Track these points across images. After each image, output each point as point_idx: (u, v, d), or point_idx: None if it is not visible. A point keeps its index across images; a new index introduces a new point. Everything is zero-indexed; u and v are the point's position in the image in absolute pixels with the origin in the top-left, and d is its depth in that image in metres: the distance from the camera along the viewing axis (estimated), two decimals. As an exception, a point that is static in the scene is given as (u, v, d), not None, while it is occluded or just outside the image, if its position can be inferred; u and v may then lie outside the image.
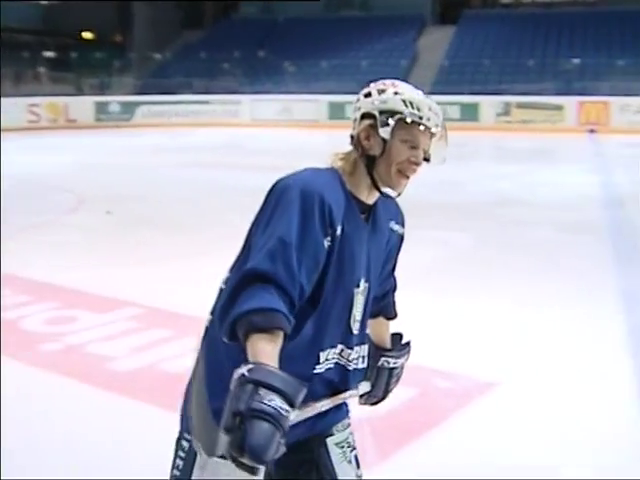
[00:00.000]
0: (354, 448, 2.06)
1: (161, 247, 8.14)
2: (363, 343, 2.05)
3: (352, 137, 2.04)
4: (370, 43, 30.59)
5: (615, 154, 17.85)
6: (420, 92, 2.02)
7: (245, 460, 1.47)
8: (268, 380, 1.53)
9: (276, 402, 1.50)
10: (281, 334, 1.69)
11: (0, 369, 4.42)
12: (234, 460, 1.49)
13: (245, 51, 30.86)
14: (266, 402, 1.49)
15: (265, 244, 1.77)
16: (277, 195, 1.86)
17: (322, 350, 1.92)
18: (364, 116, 2.00)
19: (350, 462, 2.02)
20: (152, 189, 12.52)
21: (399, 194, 2.03)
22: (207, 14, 37.98)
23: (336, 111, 24.68)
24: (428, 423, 3.96)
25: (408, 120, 1.95)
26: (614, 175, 13.97)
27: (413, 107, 1.96)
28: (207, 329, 1.95)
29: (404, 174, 1.98)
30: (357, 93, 2.08)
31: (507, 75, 26.14)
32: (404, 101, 1.96)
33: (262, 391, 1.51)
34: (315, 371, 1.91)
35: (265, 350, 1.64)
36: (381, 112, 1.96)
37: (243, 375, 1.54)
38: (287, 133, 23.32)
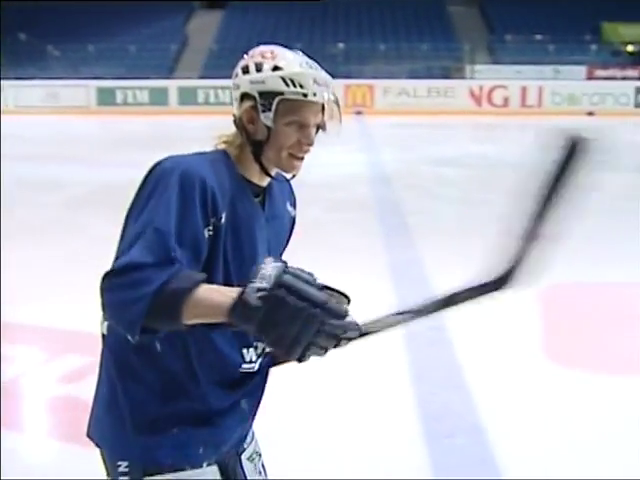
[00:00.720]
0: (260, 454, 2.00)
1: None
2: None
3: (234, 117, 1.83)
4: (138, 27, 29.98)
5: (380, 134, 18.70)
6: (303, 61, 1.80)
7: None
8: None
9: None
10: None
11: None
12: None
13: (5, 34, 29.21)
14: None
15: (140, 234, 1.57)
16: (155, 179, 1.66)
17: (246, 347, 1.82)
18: (244, 96, 1.79)
19: (260, 473, 1.96)
20: None
21: (294, 176, 1.90)
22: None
23: (105, 96, 24.07)
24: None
25: (291, 99, 1.75)
26: (380, 154, 14.65)
27: (295, 85, 1.75)
28: (105, 338, 1.79)
29: (296, 157, 1.81)
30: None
31: (276, 59, 26.45)
32: (284, 79, 1.75)
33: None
34: (242, 370, 1.83)
35: (218, 291, 1.54)
36: (261, 94, 1.75)
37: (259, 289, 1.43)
38: (54, 120, 22.42)
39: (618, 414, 3.95)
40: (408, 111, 22.79)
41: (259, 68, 1.77)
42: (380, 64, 25.92)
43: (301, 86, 1.75)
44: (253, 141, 1.79)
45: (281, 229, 1.95)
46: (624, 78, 25.51)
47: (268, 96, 1.74)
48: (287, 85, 1.74)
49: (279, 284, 1.42)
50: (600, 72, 25.82)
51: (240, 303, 1.44)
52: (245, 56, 1.85)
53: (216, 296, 1.51)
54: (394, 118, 21.48)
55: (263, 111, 1.74)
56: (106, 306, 1.56)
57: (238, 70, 1.82)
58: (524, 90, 24.16)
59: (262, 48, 1.85)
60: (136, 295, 1.49)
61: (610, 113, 22.50)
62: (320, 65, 1.82)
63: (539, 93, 24.18)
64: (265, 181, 1.85)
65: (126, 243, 1.58)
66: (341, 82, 24.14)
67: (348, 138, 18.00)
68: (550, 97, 24.17)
